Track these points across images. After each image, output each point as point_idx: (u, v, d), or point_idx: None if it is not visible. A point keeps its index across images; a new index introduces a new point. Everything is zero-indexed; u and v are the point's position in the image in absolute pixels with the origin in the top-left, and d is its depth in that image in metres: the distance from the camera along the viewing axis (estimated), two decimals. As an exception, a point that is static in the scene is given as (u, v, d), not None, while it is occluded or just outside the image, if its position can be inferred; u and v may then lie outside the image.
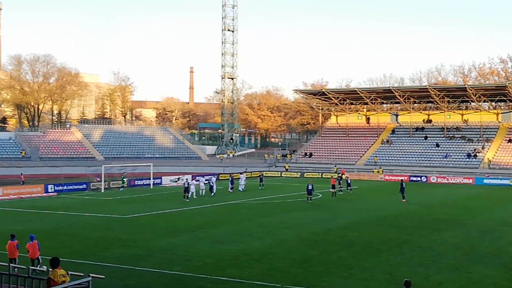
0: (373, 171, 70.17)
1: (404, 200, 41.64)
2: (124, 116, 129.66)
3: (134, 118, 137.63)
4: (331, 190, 46.62)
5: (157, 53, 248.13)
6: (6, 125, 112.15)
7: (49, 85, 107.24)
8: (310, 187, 41.33)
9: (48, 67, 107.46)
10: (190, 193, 43.49)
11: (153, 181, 56.38)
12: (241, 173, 56.60)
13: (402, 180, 46.41)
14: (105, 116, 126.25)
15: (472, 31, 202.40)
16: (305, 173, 71.07)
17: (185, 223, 30.13)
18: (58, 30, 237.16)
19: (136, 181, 56.36)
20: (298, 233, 26.59)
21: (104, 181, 51.83)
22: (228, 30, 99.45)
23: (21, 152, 74.96)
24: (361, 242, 23.92)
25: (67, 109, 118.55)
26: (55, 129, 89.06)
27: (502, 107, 79.09)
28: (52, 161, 73.36)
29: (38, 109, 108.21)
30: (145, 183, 56.49)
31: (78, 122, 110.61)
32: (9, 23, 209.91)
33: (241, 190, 50.59)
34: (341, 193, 47.64)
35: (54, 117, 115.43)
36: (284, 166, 76.68)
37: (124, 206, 38.31)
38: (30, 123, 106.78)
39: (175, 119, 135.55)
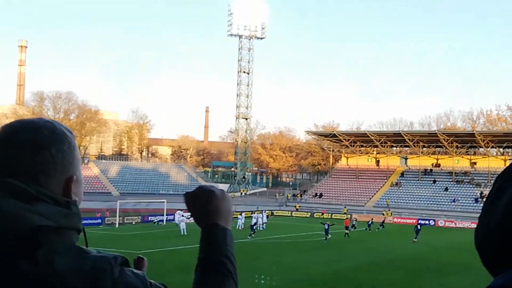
0: (382, 213, 71.37)
1: (415, 240, 43.66)
2: (141, 153, 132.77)
3: (150, 155, 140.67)
4: (345, 230, 47.97)
5: (175, 93, 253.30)
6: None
7: (69, 121, 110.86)
8: (326, 227, 43.62)
9: (69, 104, 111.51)
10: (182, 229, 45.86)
11: (167, 217, 58.24)
12: (260, 212, 58.03)
13: (419, 224, 49.23)
14: (122, 152, 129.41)
15: (480, 78, 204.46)
16: (315, 213, 72.51)
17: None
18: (80, 68, 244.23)
19: (149, 217, 58.28)
20: (307, 272, 27.23)
21: (119, 216, 53.91)
22: (244, 72, 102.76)
23: (40, 186, 77.64)
24: (370, 283, 24.47)
25: (86, 145, 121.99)
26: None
27: (509, 153, 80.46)
28: (70, 195, 75.66)
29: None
30: (158, 219, 58.37)
31: (96, 157, 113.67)
32: (34, 60, 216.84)
33: (263, 229, 51.94)
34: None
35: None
36: (295, 206, 78.22)
37: (137, 242, 39.88)
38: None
39: (190, 157, 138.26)
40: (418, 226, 45.35)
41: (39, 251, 1.21)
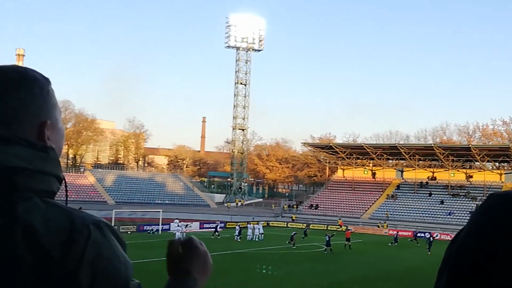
0: (377, 225, 71.40)
1: (429, 252, 44.74)
2: (137, 162, 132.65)
3: (146, 165, 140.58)
4: (345, 242, 47.81)
5: (171, 103, 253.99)
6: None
7: (66, 130, 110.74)
8: (327, 238, 43.79)
9: (66, 113, 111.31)
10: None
11: (162, 227, 58.16)
12: (256, 222, 58.29)
13: (430, 235, 51.73)
14: (119, 161, 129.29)
15: (476, 92, 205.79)
16: (311, 225, 72.36)
17: (191, 270, 31.33)
18: (77, 77, 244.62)
19: (145, 226, 58.20)
20: (302, 285, 27.26)
21: (114, 226, 53.71)
22: (241, 83, 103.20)
23: (35, 194, 77.46)
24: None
25: (82, 154, 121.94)
26: (69, 172, 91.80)
27: (505, 168, 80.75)
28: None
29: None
30: (154, 228, 58.31)
31: (92, 166, 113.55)
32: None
33: (260, 239, 52.14)
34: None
35: (69, 161, 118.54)
36: (291, 217, 78.13)
37: (132, 251, 39.46)
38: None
39: (186, 167, 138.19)
40: (431, 238, 46.78)
41: (15, 197, 1.15)
